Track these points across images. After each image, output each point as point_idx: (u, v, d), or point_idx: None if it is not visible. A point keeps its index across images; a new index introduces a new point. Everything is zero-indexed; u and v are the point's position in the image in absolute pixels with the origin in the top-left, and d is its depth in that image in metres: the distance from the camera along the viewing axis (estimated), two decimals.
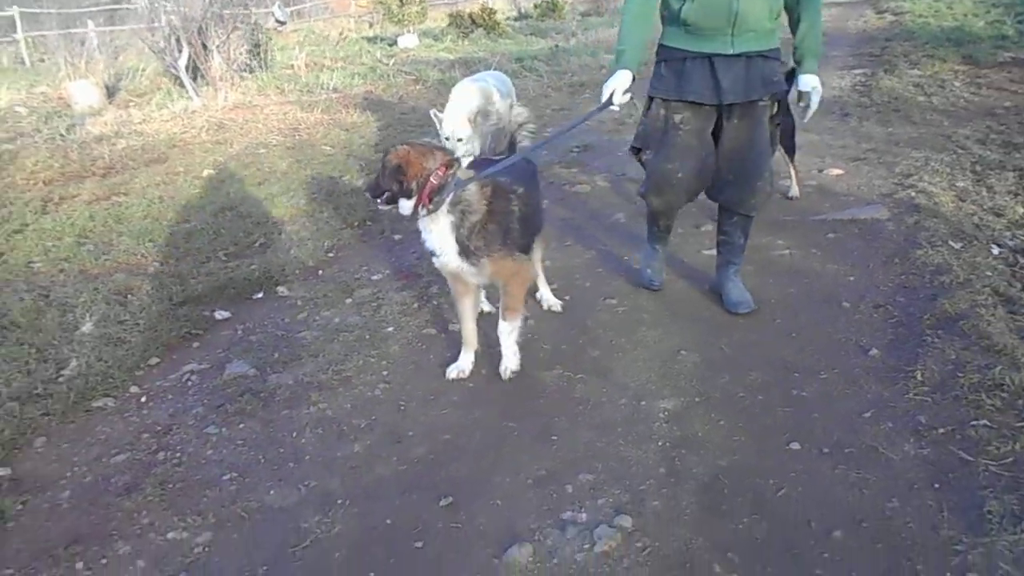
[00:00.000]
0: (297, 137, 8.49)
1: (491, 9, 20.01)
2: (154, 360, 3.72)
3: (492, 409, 3.05)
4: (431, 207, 2.90)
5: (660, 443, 2.73)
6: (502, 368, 3.22)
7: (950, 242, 4.08)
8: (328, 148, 7.92)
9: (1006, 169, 5.33)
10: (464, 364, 3.29)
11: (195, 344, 3.88)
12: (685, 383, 3.09)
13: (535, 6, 24.87)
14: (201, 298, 4.34)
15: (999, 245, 4.04)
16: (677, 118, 3.34)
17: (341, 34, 20.20)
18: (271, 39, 13.73)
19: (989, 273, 3.68)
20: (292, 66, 12.55)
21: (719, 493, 2.43)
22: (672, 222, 3.81)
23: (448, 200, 2.89)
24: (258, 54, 12.42)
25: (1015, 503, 2.21)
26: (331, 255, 4.98)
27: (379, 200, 3.00)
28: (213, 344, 3.85)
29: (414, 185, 2.87)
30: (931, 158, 5.80)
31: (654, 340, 3.47)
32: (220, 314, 4.17)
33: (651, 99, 3.45)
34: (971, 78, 8.70)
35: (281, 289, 4.44)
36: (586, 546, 2.25)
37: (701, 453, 2.65)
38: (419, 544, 2.35)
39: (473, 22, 19.35)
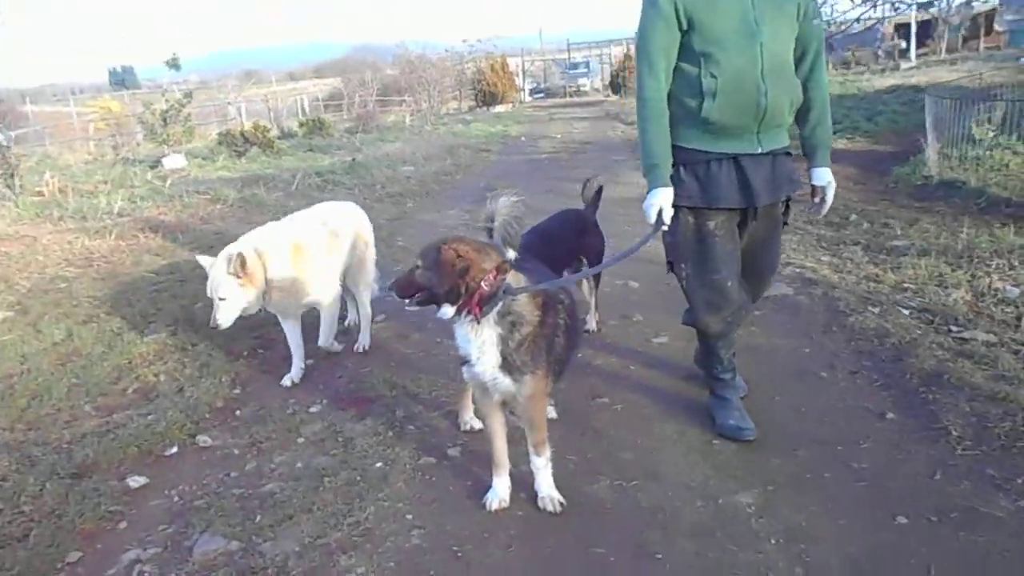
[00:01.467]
0: (97, 266, 7.35)
1: (265, 126, 19.45)
2: (74, 555, 2.81)
3: (564, 536, 2.67)
4: (480, 315, 2.57)
5: (774, 541, 2.55)
6: (545, 503, 2.85)
7: (868, 308, 4.48)
8: (152, 275, 6.93)
9: (847, 243, 6.06)
10: (503, 492, 2.91)
11: (122, 524, 3.01)
12: (744, 473, 2.96)
13: (300, 124, 24.70)
14: (96, 466, 3.42)
15: (902, 307, 4.50)
16: (711, 225, 3.02)
17: (92, 156, 18.36)
18: (20, 163, 12.05)
19: (919, 331, 4.06)
20: (41, 192, 11.05)
21: None
22: (733, 348, 3.35)
23: (497, 309, 2.58)
24: (9, 179, 10.83)
25: None
26: (237, 391, 4.22)
27: (410, 300, 2.66)
28: (148, 520, 3.02)
29: (464, 288, 2.52)
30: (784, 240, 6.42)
31: (675, 434, 3.32)
32: (134, 480, 3.30)
33: (677, 208, 3.00)
34: None
35: (202, 439, 3.65)
36: None
37: (821, 543, 2.51)
38: None
39: (246, 140, 18.64)
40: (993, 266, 5.01)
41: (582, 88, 42.49)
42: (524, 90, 39.72)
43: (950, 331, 4.09)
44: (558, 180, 10.92)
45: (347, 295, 4.88)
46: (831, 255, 5.84)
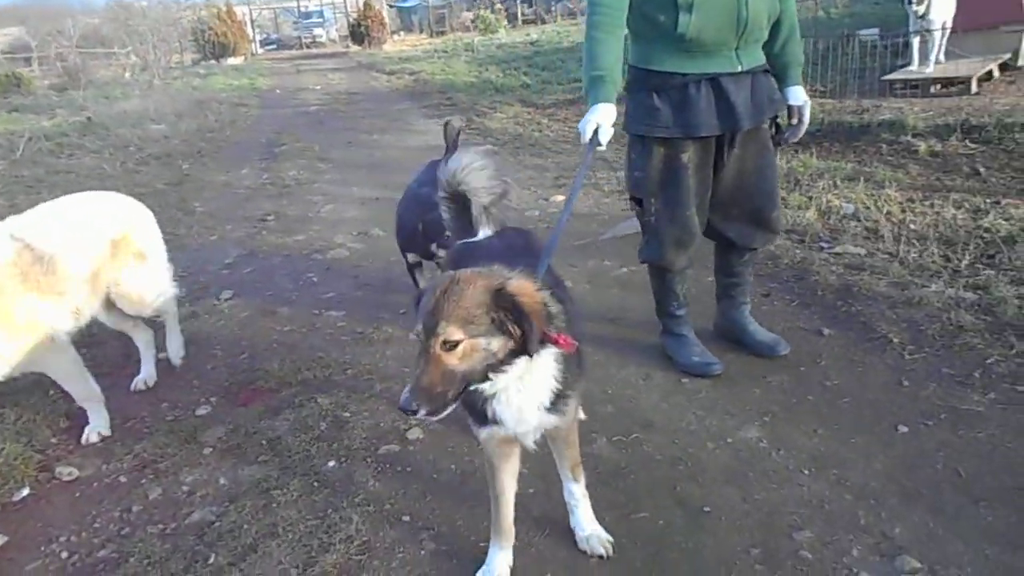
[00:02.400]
0: None
1: None
2: None
3: (598, 509, 2.36)
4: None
5: (806, 472, 2.48)
6: (592, 544, 2.20)
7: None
8: None
9: None
10: (502, 569, 2.13)
11: None
12: (734, 408, 2.88)
13: None
14: None
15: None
16: (684, 157, 2.79)
17: None
18: None
19: (799, 251, 4.30)
20: None
21: None
22: (687, 286, 3.20)
23: None
24: None
25: None
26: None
27: (451, 401, 1.71)
28: None
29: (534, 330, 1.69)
30: (611, 175, 6.52)
31: (641, 378, 3.16)
32: None
33: (641, 138, 2.83)
34: (547, 116, 10.07)
35: (62, 470, 2.80)
36: None
37: (849, 465, 2.49)
38: None
39: None
40: (820, 187, 5.46)
41: (318, 39, 40.54)
42: (255, 41, 36.98)
43: (823, 248, 4.37)
44: (352, 132, 10.24)
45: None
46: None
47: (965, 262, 3.88)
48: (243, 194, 7.15)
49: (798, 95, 2.94)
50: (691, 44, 2.65)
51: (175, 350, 3.57)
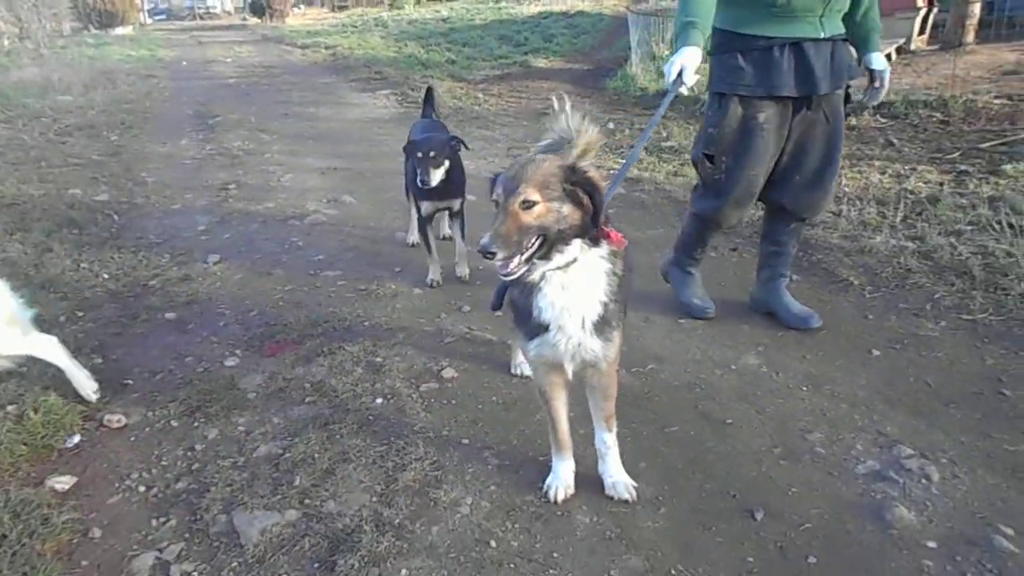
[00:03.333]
0: None
1: None
2: None
3: (636, 425, 2.70)
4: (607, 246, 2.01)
5: (804, 389, 2.90)
6: (618, 489, 2.32)
7: None
8: None
9: (625, 148, 6.69)
10: (567, 477, 2.36)
11: (95, 534, 2.31)
12: (731, 341, 3.27)
13: None
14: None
15: None
16: (761, 117, 2.92)
17: None
18: None
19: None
20: None
21: None
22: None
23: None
24: None
25: None
26: (99, 360, 3.36)
27: (524, 255, 1.87)
28: (126, 521, 2.35)
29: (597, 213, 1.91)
30: None
31: (643, 321, 3.51)
32: (58, 483, 2.53)
33: (721, 96, 2.99)
34: (481, 91, 10.27)
35: (109, 418, 2.88)
36: None
37: (839, 382, 2.93)
38: None
39: None
40: None
41: (212, 10, 38.93)
42: (144, 11, 35.16)
43: None
44: (285, 104, 10.13)
45: None
46: (619, 157, 6.38)
47: (899, 218, 4.43)
48: (192, 164, 7.04)
49: (880, 61, 3.05)
50: (781, 9, 2.79)
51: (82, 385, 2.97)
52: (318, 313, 3.71)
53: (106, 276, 4.28)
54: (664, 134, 6.95)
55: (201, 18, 36.77)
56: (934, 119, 6.86)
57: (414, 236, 4.57)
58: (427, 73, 11.92)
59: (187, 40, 23.44)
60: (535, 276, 1.93)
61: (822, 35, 2.87)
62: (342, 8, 34.22)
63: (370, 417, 2.81)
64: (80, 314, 3.80)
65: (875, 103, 3.22)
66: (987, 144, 5.94)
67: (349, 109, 9.71)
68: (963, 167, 5.44)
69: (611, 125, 7.60)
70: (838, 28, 2.93)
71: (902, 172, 5.33)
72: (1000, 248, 3.82)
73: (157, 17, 37.82)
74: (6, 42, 22.63)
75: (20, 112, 10.02)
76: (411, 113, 9.01)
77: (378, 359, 3.23)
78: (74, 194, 5.91)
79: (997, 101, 7.00)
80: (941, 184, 5.04)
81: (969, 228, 4.20)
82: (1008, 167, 5.24)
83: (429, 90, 4.70)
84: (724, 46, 2.94)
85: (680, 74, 2.64)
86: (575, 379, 2.22)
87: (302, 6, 36.43)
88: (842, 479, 2.37)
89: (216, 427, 2.81)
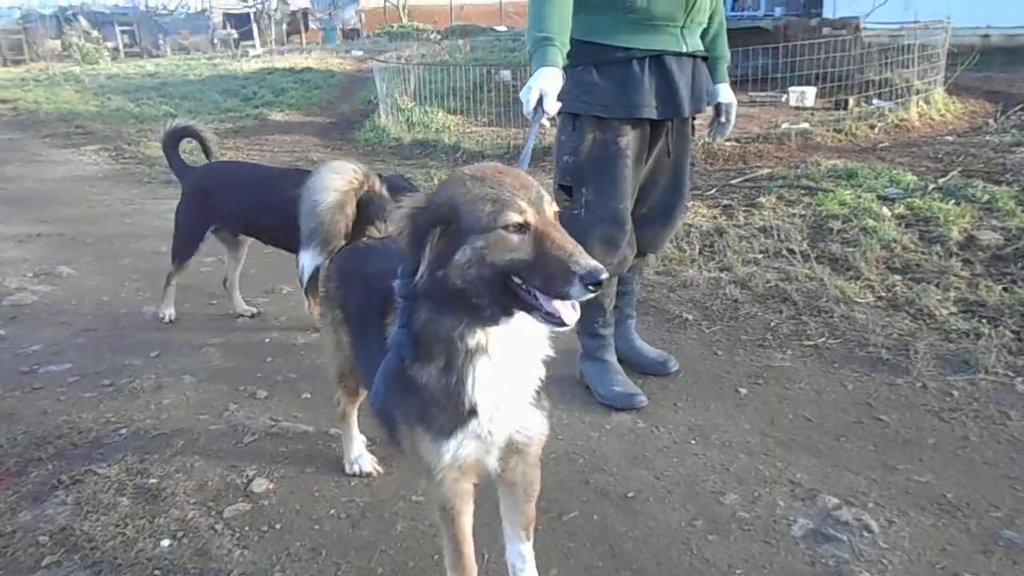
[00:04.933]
0: None
1: None
2: None
3: None
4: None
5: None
6: None
7: None
8: None
9: None
10: None
11: None
12: (726, 455, 2.86)
13: None
14: None
15: None
16: (622, 142, 2.54)
17: None
18: None
19: None
20: None
21: None
22: (613, 299, 2.92)
23: None
24: None
25: None
26: None
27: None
28: None
29: None
30: None
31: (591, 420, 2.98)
32: None
33: (575, 117, 2.56)
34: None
35: None
36: None
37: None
38: None
39: None
40: None
41: None
42: None
43: None
44: None
45: None
46: None
47: (697, 250, 4.42)
48: None
49: (727, 93, 2.82)
50: (639, 16, 2.45)
51: None
52: (44, 425, 2.68)
53: None
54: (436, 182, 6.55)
55: None
56: (703, 154, 7.29)
57: (169, 311, 3.63)
58: (143, 127, 10.44)
59: None
60: (471, 342, 1.40)
61: (684, 49, 2.54)
62: (17, 63, 29.87)
63: (157, 572, 1.93)
64: None
65: (722, 139, 3.03)
66: (735, 180, 6.36)
67: (49, 168, 8.07)
68: (725, 201, 5.71)
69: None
70: (698, 44, 2.63)
71: None
72: (800, 272, 3.89)
73: None
74: None
75: None
76: (129, 169, 7.75)
77: (151, 481, 2.34)
78: None
79: (727, 144, 7.64)
80: (715, 217, 5.20)
81: (762, 256, 4.28)
82: (762, 199, 5.58)
83: (186, 130, 3.79)
84: (578, 58, 2.46)
85: (540, 101, 2.24)
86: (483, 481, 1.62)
87: None
88: (782, 547, 2.02)
89: None
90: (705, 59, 2.69)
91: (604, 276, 1.28)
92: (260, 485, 2.31)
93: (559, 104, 2.30)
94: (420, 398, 1.48)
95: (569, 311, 1.33)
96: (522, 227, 1.32)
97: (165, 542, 2.05)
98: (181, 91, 14.97)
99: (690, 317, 3.52)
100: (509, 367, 1.47)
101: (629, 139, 2.57)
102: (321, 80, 15.28)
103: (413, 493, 2.26)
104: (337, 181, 1.95)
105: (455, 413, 1.46)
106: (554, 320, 1.33)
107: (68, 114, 12.33)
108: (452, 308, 1.37)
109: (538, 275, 1.30)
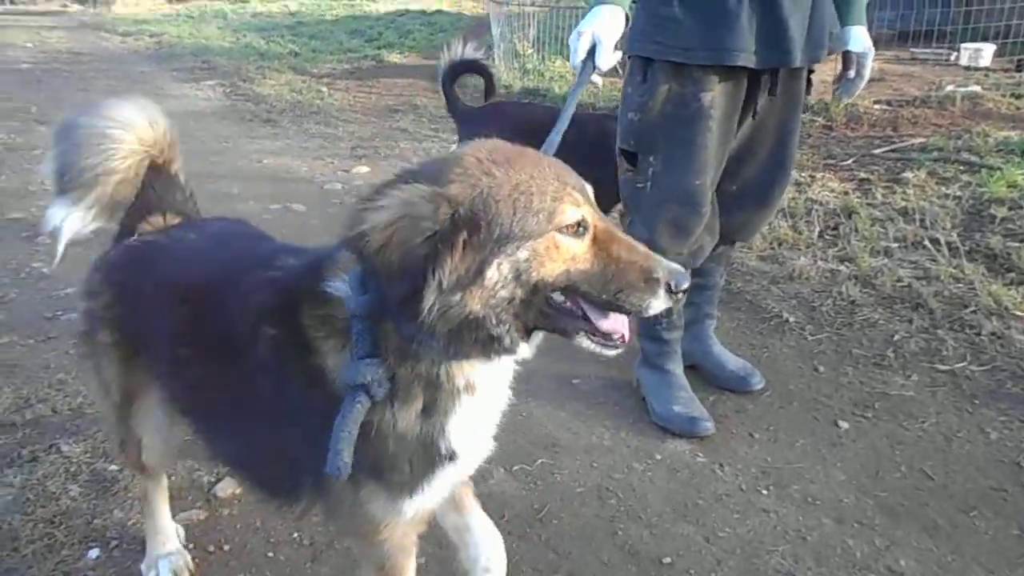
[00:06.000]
0: None
1: None
2: None
3: None
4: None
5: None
6: None
7: None
8: None
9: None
10: None
11: None
12: (805, 517, 2.32)
13: None
14: None
15: None
16: (707, 98, 1.94)
17: None
18: None
19: None
20: None
21: None
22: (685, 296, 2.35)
23: None
24: None
25: None
26: None
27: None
28: None
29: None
30: (417, 147, 5.81)
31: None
32: None
33: (646, 63, 2.00)
34: (325, 85, 9.00)
35: None
36: None
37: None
38: None
39: None
40: None
41: None
42: None
43: None
44: (84, 93, 8.44)
45: None
46: None
47: (816, 233, 3.70)
48: None
49: (860, 39, 2.10)
50: None
51: None
52: (37, 384, 2.45)
53: None
54: None
55: (12, 2, 32.76)
56: (817, 124, 6.36)
57: None
58: (264, 64, 10.46)
59: None
60: (460, 381, 1.10)
61: None
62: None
63: None
64: None
65: (848, 98, 2.37)
66: (880, 150, 5.44)
67: (165, 100, 8.14)
68: (862, 175, 4.86)
69: None
70: None
71: (800, 179, 4.66)
72: (943, 270, 3.13)
73: None
74: None
75: None
76: (237, 106, 7.68)
77: (112, 468, 2.03)
78: None
79: (876, 107, 6.62)
80: (846, 192, 4.40)
81: (896, 246, 3.51)
82: (909, 175, 4.69)
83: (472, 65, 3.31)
84: None
85: (592, 52, 1.76)
86: None
87: None
88: None
89: None
90: None
91: (688, 282, 1.07)
92: (225, 489, 1.95)
93: (616, 55, 1.78)
94: (377, 448, 1.10)
95: (627, 326, 1.09)
96: (580, 226, 1.03)
97: (94, 552, 1.74)
98: (312, 30, 15.07)
99: (792, 319, 2.87)
100: (491, 402, 1.19)
101: (716, 94, 1.96)
102: (448, 23, 14.95)
103: None
104: (141, 124, 1.45)
105: (425, 463, 1.14)
106: (611, 343, 1.08)
107: (201, 49, 12.61)
108: (455, 341, 1.02)
109: (605, 287, 1.03)
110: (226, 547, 1.77)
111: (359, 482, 1.14)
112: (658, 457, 2.12)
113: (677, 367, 2.36)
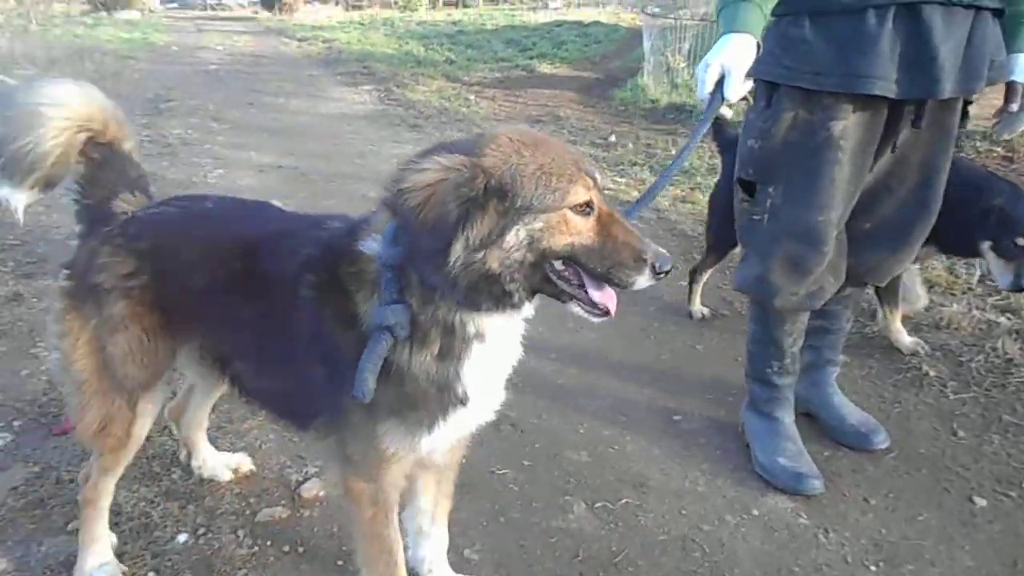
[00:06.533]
0: None
1: None
2: None
3: None
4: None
5: None
6: None
7: None
8: None
9: (627, 164, 5.60)
10: None
11: None
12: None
13: None
14: None
15: None
16: (836, 128, 1.79)
17: None
18: None
19: None
20: None
21: None
22: (803, 338, 2.14)
23: None
24: None
25: None
26: None
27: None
28: None
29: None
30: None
31: (736, 496, 2.39)
32: None
33: (772, 87, 1.87)
34: (473, 93, 9.20)
35: None
36: None
37: None
38: None
39: None
40: None
41: (224, 2, 38.43)
42: None
43: None
44: (256, 93, 9.10)
45: None
46: (623, 176, 5.30)
47: (976, 277, 3.31)
48: None
49: None
50: None
51: None
52: None
53: None
54: (673, 150, 5.83)
55: (213, 8, 36.07)
56: (995, 155, 5.75)
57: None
58: (419, 71, 10.85)
59: (188, 27, 22.49)
60: (471, 328, 1.26)
61: None
62: (356, 8, 33.50)
63: (154, 569, 1.70)
64: None
65: (1009, 135, 2.14)
66: None
67: (324, 103, 8.65)
68: None
69: (612, 138, 6.51)
70: None
71: None
72: None
73: (169, 5, 37.11)
74: (1, 18, 21.88)
75: None
76: (388, 111, 7.99)
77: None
78: None
79: None
80: None
81: None
82: None
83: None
84: (787, 5, 1.75)
85: (720, 82, 1.64)
86: None
87: (316, 3, 35.70)
88: None
89: None
90: (997, 12, 1.77)
91: (670, 266, 1.21)
92: (310, 490, 1.99)
93: (747, 85, 1.67)
94: (400, 386, 1.27)
95: (614, 301, 1.24)
96: (588, 207, 1.19)
97: (182, 537, 1.82)
98: (470, 39, 15.50)
99: (932, 372, 2.58)
100: (500, 352, 1.33)
101: (848, 124, 1.79)
102: (603, 34, 14.90)
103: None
104: (73, 101, 1.52)
105: (441, 403, 1.30)
106: (599, 311, 1.23)
107: (365, 55, 13.28)
108: (472, 292, 1.17)
109: (601, 261, 1.19)
110: (300, 549, 1.80)
111: (378, 417, 1.29)
112: (755, 512, 1.95)
113: (787, 415, 2.17)
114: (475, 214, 1.12)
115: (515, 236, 1.14)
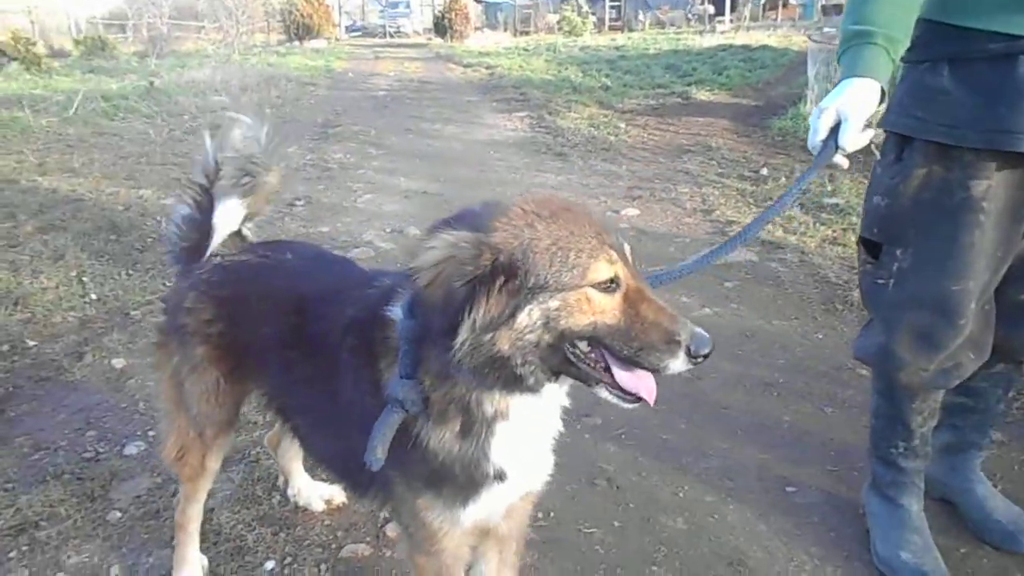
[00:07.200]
0: None
1: (28, 39, 15.86)
2: None
3: None
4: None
5: None
6: None
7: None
8: None
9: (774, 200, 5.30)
10: None
11: None
12: None
13: (76, 43, 21.05)
14: None
15: None
16: (978, 188, 1.61)
17: None
18: None
19: None
20: None
21: None
22: (935, 417, 1.92)
23: None
24: None
25: None
26: None
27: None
28: None
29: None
30: (696, 192, 5.59)
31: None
32: None
33: (904, 140, 1.71)
34: (624, 120, 9.13)
35: None
36: None
37: None
38: None
39: (3, 53, 15.14)
40: None
41: (402, 29, 40.78)
42: (340, 26, 37.35)
43: None
44: (415, 119, 9.54)
45: None
46: (758, 210, 5.03)
47: None
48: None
49: None
50: None
51: None
52: None
53: (94, 297, 3.60)
54: (829, 186, 5.47)
55: (391, 36, 38.36)
56: None
57: None
58: (573, 98, 10.92)
59: (366, 54, 24.08)
60: (488, 408, 1.22)
61: None
62: (524, 33, 34.45)
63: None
64: (30, 344, 3.10)
65: None
66: None
67: (478, 129, 8.91)
68: None
69: (764, 171, 6.21)
70: None
71: None
72: None
73: (353, 33, 39.98)
74: (210, 48, 24.48)
75: (168, 108, 10.13)
76: (536, 139, 8.11)
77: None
78: (139, 195, 5.42)
79: None
80: None
81: None
82: None
83: None
84: (923, 50, 1.61)
85: (836, 129, 1.52)
86: None
87: (486, 29, 37.04)
88: None
89: (30, 567, 1.89)
90: None
91: (710, 349, 1.11)
92: (395, 529, 2.01)
93: (867, 134, 1.52)
94: (427, 463, 1.26)
95: (651, 386, 1.15)
96: (612, 284, 1.12)
97: (270, 564, 1.90)
98: (631, 64, 15.44)
99: None
100: (530, 430, 1.28)
101: (992, 184, 1.59)
102: (770, 59, 14.36)
103: None
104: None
105: (472, 480, 1.27)
106: (630, 397, 1.15)
107: (523, 81, 13.57)
108: (482, 374, 1.12)
109: (628, 343, 1.11)
110: None
111: (416, 489, 1.29)
112: None
113: (914, 503, 1.94)
114: (482, 294, 1.08)
115: (528, 316, 1.08)
